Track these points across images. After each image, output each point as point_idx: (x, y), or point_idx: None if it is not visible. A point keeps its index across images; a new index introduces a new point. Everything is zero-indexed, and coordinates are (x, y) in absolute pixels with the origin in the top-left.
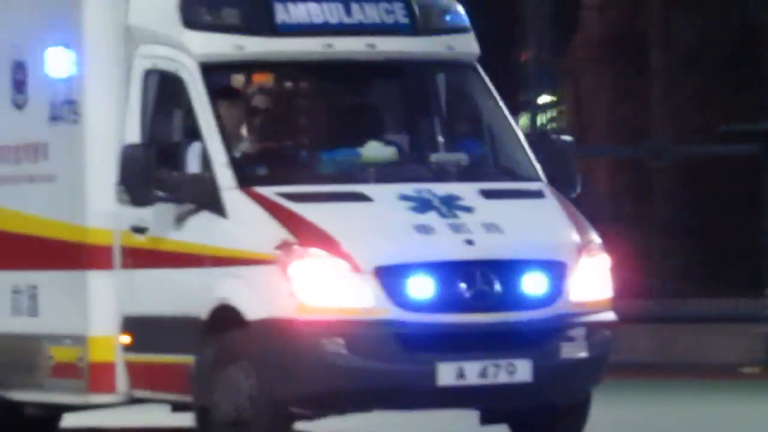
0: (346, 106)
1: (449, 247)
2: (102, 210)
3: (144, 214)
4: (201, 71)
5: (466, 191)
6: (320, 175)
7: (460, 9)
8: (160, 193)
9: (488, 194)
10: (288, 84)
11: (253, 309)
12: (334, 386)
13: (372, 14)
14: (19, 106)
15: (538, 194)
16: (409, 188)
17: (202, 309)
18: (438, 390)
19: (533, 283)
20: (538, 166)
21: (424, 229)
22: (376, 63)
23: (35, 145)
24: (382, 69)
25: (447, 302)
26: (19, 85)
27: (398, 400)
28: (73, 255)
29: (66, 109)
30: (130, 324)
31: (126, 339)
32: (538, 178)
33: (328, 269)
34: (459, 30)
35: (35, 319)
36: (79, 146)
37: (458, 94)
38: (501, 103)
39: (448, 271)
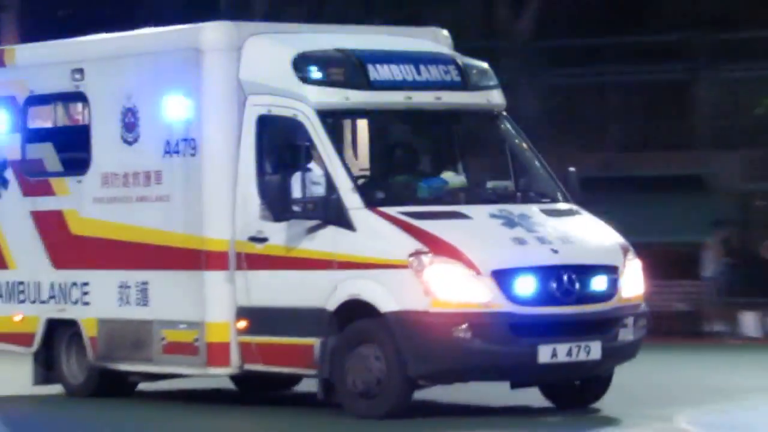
0: (423, 144)
1: (541, 254)
2: (217, 224)
3: (264, 228)
4: (318, 116)
5: (531, 211)
6: (423, 199)
7: (491, 70)
8: (295, 211)
9: (547, 213)
10: (381, 126)
11: (386, 303)
12: (461, 363)
13: (435, 74)
14: (129, 142)
15: (576, 212)
16: (493, 209)
17: (329, 302)
18: (538, 366)
19: (599, 283)
20: (562, 190)
21: (519, 241)
22: (441, 111)
23: (147, 173)
24: (445, 116)
25: (543, 297)
26: (130, 126)
27: (508, 373)
28: (190, 259)
29: (183, 145)
30: (246, 313)
31: (242, 324)
32: (567, 200)
33: (455, 273)
34: (493, 87)
35: (146, 308)
36: (197, 175)
37: (496, 134)
38: (526, 141)
39: (543, 273)
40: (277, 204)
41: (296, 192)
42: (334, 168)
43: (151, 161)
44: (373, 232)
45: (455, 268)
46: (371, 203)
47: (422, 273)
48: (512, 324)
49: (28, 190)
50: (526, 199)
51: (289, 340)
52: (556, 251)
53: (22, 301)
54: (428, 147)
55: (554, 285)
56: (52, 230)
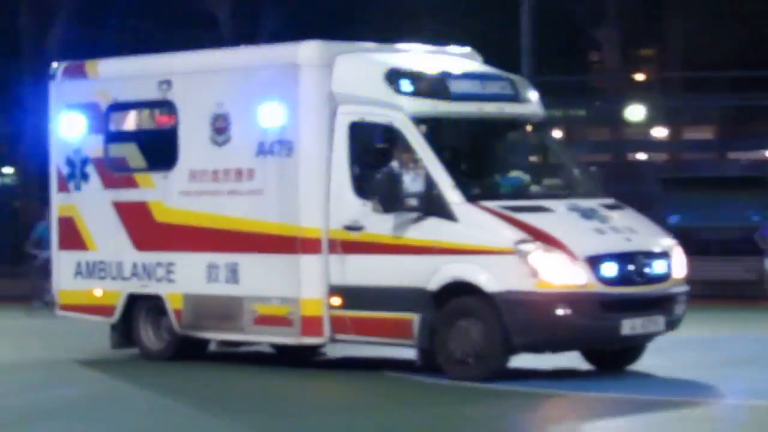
0: (493, 148)
1: (619, 242)
2: (311, 214)
3: (359, 218)
4: (413, 123)
5: (594, 205)
6: (506, 194)
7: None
8: (402, 204)
9: (605, 207)
10: (460, 132)
11: (491, 284)
12: (559, 335)
13: (496, 88)
14: (219, 144)
15: (622, 206)
16: (565, 203)
17: (429, 283)
18: (620, 337)
19: (661, 266)
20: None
21: (599, 231)
22: (504, 120)
23: (239, 170)
24: (507, 124)
25: (624, 279)
26: (220, 130)
27: (595, 343)
28: (284, 244)
29: (277, 147)
30: (341, 291)
31: (336, 301)
32: (608, 195)
33: (557, 258)
34: (535, 99)
35: (236, 285)
36: (292, 172)
37: (541, 140)
38: (564, 145)
39: (623, 258)
40: (388, 198)
41: (400, 188)
42: (434, 167)
43: (243, 160)
44: (476, 223)
45: (557, 255)
46: (470, 198)
47: (528, 258)
48: (602, 302)
49: (111, 183)
50: (585, 195)
51: (385, 314)
52: (629, 239)
53: (103, 278)
54: (497, 150)
55: (632, 268)
56: (136, 218)
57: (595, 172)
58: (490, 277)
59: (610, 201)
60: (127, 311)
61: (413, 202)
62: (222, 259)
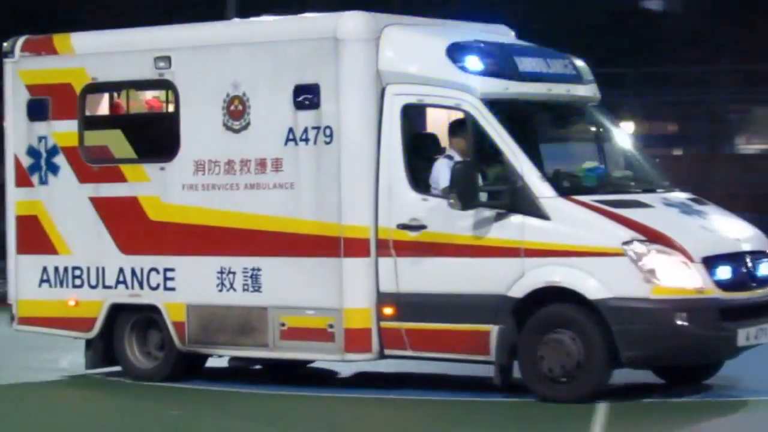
0: (564, 134)
1: (730, 242)
2: (358, 211)
3: (419, 215)
4: (486, 106)
5: (683, 198)
6: (593, 187)
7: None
8: (482, 200)
9: (693, 201)
10: (529, 117)
11: (596, 290)
12: (675, 347)
13: (560, 68)
14: (235, 130)
15: (703, 200)
16: (658, 197)
17: (513, 289)
18: (736, 348)
19: (766, 267)
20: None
21: (706, 229)
22: (571, 102)
23: (261, 160)
24: (572, 107)
25: (739, 282)
26: (236, 114)
27: (710, 355)
28: (322, 245)
29: (314, 133)
30: (393, 299)
31: (389, 311)
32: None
33: (671, 260)
34: (594, 81)
35: (258, 293)
36: (333, 163)
37: (605, 126)
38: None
39: (737, 260)
40: (467, 193)
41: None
42: (517, 157)
43: (268, 149)
44: (574, 221)
45: (672, 256)
46: (562, 192)
47: (641, 261)
48: (720, 309)
49: (88, 177)
50: (666, 188)
51: (453, 326)
52: (737, 239)
53: (79, 286)
54: (567, 138)
55: (744, 270)
56: (123, 216)
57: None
58: (593, 281)
59: (690, 195)
60: (107, 325)
61: (494, 197)
62: (239, 263)
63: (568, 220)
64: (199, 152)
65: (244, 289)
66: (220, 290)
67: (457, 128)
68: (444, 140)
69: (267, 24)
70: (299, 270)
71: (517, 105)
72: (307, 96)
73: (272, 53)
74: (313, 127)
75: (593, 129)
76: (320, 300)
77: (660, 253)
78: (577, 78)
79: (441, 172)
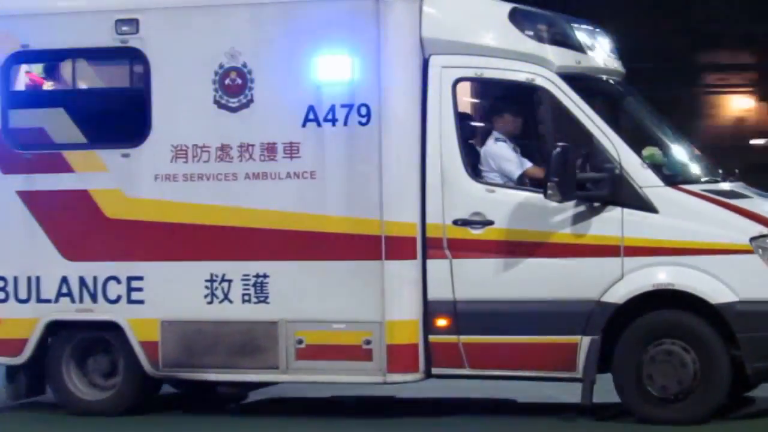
0: (623, 115)
1: None
2: (404, 205)
3: (485, 210)
4: (565, 82)
5: (746, 188)
6: (687, 177)
7: None
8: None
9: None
10: (596, 96)
11: (719, 293)
12: None
13: (605, 41)
14: (232, 108)
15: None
16: (739, 186)
17: (610, 293)
18: None
19: None
20: None
21: None
22: (618, 78)
23: (270, 145)
24: (620, 84)
25: None
26: (234, 89)
27: None
28: (353, 246)
29: (343, 112)
30: (448, 308)
31: (442, 322)
32: None
33: None
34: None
35: (264, 305)
36: (370, 148)
37: (645, 103)
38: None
39: None
40: (567, 182)
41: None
42: (612, 141)
43: (279, 131)
44: (688, 214)
45: None
46: (668, 181)
47: None
48: None
49: (15, 167)
50: (726, 175)
51: (528, 338)
52: None
53: (2, 301)
54: (627, 119)
55: None
56: (67, 214)
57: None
58: (715, 283)
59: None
60: (39, 348)
61: (588, 187)
62: (237, 269)
63: (680, 213)
64: (178, 135)
65: (244, 301)
66: (210, 302)
67: (505, 106)
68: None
69: None
70: (321, 276)
71: (588, 81)
72: (334, 68)
73: (285, 16)
74: (343, 105)
75: (641, 109)
76: (352, 311)
77: None
78: (617, 51)
79: (505, 157)
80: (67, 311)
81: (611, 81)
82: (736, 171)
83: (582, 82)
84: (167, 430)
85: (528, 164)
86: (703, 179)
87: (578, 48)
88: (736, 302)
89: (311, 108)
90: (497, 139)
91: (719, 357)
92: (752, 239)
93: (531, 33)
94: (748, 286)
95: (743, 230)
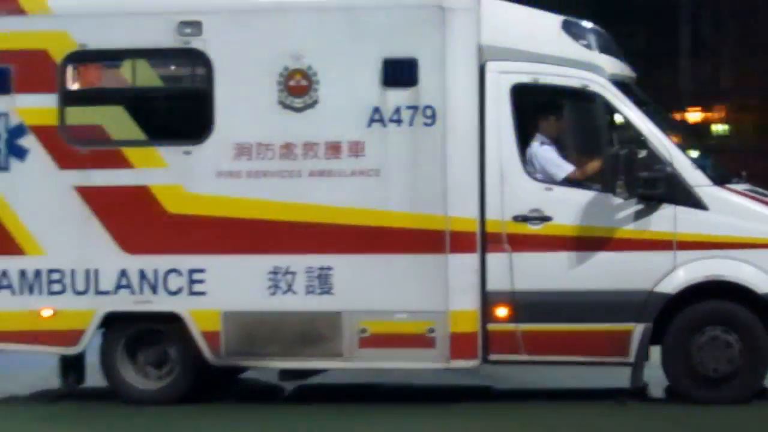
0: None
1: None
2: (467, 201)
3: (543, 206)
4: (617, 88)
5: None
6: (724, 178)
7: None
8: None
9: None
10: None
11: (766, 285)
12: None
13: (616, 47)
14: (296, 108)
15: None
16: (751, 186)
17: (663, 284)
18: None
19: None
20: None
21: None
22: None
23: (334, 144)
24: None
25: None
26: (298, 90)
27: None
28: (417, 240)
29: (408, 113)
30: (508, 299)
31: (502, 312)
32: None
33: None
34: None
35: (328, 296)
36: (435, 147)
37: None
38: None
39: None
40: (632, 182)
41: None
42: (664, 143)
43: (343, 131)
44: (737, 211)
45: None
46: (716, 181)
47: None
48: None
49: (74, 162)
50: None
51: (584, 326)
52: None
53: (57, 293)
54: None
55: None
56: (126, 209)
57: None
58: (762, 274)
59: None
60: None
61: (646, 186)
62: (301, 262)
63: (728, 210)
64: (242, 134)
65: (308, 292)
66: (273, 293)
67: (553, 110)
68: None
69: None
70: (386, 268)
71: (629, 87)
72: (400, 71)
73: (351, 21)
74: (408, 107)
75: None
76: (416, 302)
77: None
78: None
79: (550, 160)
80: (124, 303)
81: (638, 87)
82: (743, 173)
83: (626, 88)
84: (220, 417)
85: (570, 168)
86: (732, 180)
87: (619, 56)
88: None
89: (376, 109)
90: (542, 142)
91: (763, 342)
92: None
93: (584, 42)
94: None
95: None
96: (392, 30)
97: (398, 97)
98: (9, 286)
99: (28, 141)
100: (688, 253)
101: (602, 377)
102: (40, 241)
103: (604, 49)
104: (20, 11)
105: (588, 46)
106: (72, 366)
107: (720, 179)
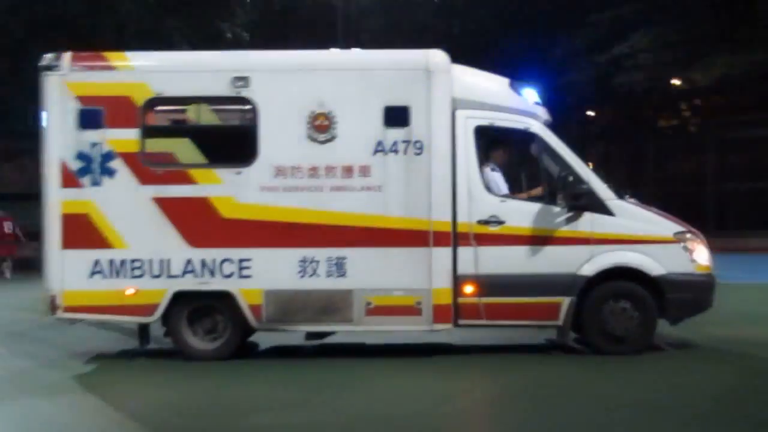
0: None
1: None
2: (443, 210)
3: (498, 213)
4: (548, 129)
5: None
6: (621, 194)
7: None
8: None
9: None
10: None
11: (655, 269)
12: (704, 309)
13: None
14: (320, 141)
15: None
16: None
17: (583, 269)
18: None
19: None
20: None
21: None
22: None
23: (348, 167)
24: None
25: None
26: (321, 128)
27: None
28: (410, 237)
29: (403, 146)
30: (473, 280)
31: (469, 289)
32: None
33: (703, 247)
34: None
35: (343, 279)
36: (423, 170)
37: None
38: None
39: None
40: (570, 195)
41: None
42: (581, 169)
43: (355, 157)
44: (636, 217)
45: (702, 244)
46: (617, 196)
47: (689, 247)
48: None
49: (151, 179)
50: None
51: (530, 300)
52: None
53: (138, 277)
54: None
55: None
56: (191, 214)
57: None
58: (654, 262)
59: None
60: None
61: (577, 198)
62: (323, 253)
63: (629, 216)
64: (279, 159)
65: (327, 275)
66: (302, 276)
67: (498, 145)
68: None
69: (356, 55)
70: (386, 257)
71: (550, 128)
72: (397, 115)
73: (361, 78)
74: (403, 141)
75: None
76: (408, 282)
77: (699, 242)
78: None
79: (496, 182)
80: (189, 284)
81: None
82: (629, 191)
83: (550, 128)
84: (260, 369)
85: (505, 189)
86: (624, 196)
87: (542, 105)
88: (666, 274)
89: (380, 142)
90: (492, 168)
91: (652, 311)
92: (675, 234)
93: (524, 97)
94: (673, 264)
95: (669, 228)
96: (392, 85)
97: (396, 134)
98: (101, 272)
99: (116, 163)
100: (601, 247)
101: (539, 336)
102: (125, 238)
103: (537, 101)
104: (111, 68)
105: (528, 99)
106: (143, 332)
107: (619, 195)
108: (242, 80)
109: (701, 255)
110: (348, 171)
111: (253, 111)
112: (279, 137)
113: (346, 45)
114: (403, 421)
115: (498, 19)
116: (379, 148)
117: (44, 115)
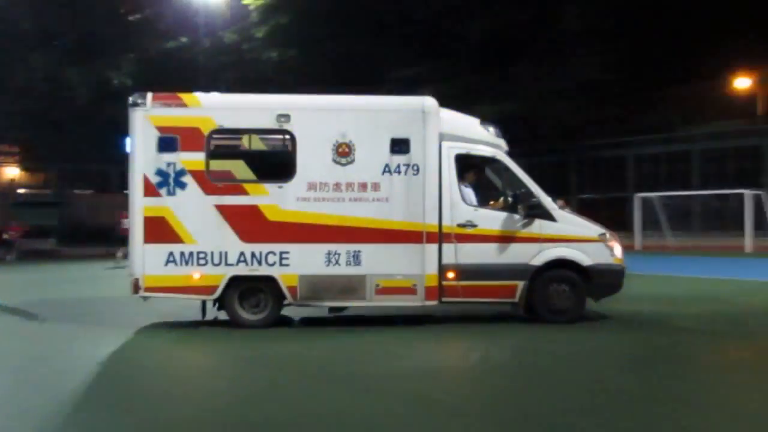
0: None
1: None
2: (432, 216)
3: (473, 219)
4: (509, 157)
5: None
6: (560, 205)
7: None
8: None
9: None
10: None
11: (585, 260)
12: (618, 290)
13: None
14: (342, 164)
15: None
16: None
17: (534, 260)
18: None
19: None
20: None
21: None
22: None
23: (363, 183)
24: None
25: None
26: (343, 153)
27: (616, 292)
28: (408, 236)
29: (404, 168)
30: (454, 268)
31: (451, 275)
32: None
33: (618, 244)
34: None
35: (358, 266)
36: (419, 187)
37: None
38: None
39: None
40: (525, 206)
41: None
42: (534, 187)
43: (368, 176)
44: (572, 222)
45: (617, 242)
46: (559, 207)
47: (609, 244)
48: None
49: (214, 191)
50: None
51: (495, 283)
52: None
53: (203, 264)
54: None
55: None
56: (244, 217)
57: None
58: (584, 256)
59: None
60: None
61: (530, 208)
62: (343, 248)
63: (567, 222)
64: (311, 177)
65: (347, 264)
66: (328, 265)
67: (470, 169)
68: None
69: (371, 99)
70: (391, 251)
71: (508, 155)
72: (400, 145)
73: (373, 117)
74: (404, 164)
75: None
76: (407, 269)
77: (615, 241)
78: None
79: (469, 196)
80: (242, 270)
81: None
82: (562, 202)
83: (509, 155)
84: (293, 333)
85: (475, 202)
86: (561, 207)
87: (501, 138)
88: (593, 265)
89: (387, 165)
90: (465, 186)
91: (583, 292)
92: (599, 234)
93: (491, 132)
94: (599, 258)
95: (594, 230)
96: (396, 123)
97: (399, 159)
98: (174, 261)
99: (187, 178)
100: (546, 245)
101: (495, 309)
102: (193, 235)
103: (499, 135)
104: (184, 105)
105: (494, 135)
106: (203, 307)
107: (559, 207)
108: (284, 117)
109: (617, 250)
110: (363, 186)
111: (292, 140)
112: (311, 160)
113: (207, 90)
114: (399, 372)
115: (328, 76)
116: (387, 170)
117: (129, 141)
